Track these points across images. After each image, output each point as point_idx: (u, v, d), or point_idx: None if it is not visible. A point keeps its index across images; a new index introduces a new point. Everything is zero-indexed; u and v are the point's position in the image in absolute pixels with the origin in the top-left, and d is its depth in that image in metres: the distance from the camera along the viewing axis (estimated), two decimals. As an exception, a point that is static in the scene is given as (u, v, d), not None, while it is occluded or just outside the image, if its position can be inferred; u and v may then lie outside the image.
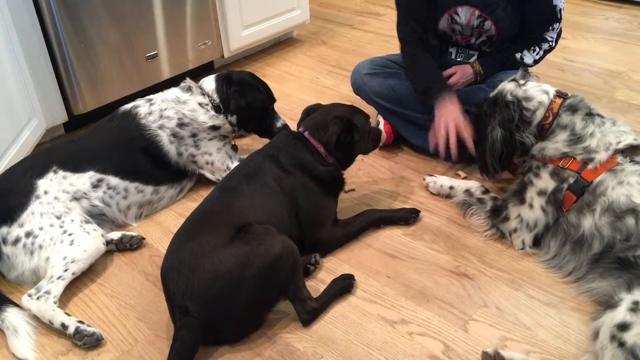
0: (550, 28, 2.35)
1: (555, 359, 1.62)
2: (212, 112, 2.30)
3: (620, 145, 1.84)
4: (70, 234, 1.92)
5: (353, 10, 4.37)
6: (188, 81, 2.38)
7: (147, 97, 2.33)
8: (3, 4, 2.36)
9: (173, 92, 2.34)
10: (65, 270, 1.86)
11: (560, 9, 2.32)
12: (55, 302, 1.79)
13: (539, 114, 1.94)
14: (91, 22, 2.64)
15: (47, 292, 1.80)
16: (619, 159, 1.81)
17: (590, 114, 1.92)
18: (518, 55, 2.38)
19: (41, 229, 1.92)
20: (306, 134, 2.03)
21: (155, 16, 2.87)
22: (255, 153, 2.07)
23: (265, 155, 2.01)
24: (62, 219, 1.95)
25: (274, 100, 2.46)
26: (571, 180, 1.85)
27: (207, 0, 3.08)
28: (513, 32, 2.37)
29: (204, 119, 2.28)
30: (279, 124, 2.45)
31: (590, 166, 1.83)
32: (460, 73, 2.46)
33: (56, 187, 2.02)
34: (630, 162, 1.80)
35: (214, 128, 2.31)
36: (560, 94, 1.97)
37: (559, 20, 2.35)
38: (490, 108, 2.00)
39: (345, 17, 4.24)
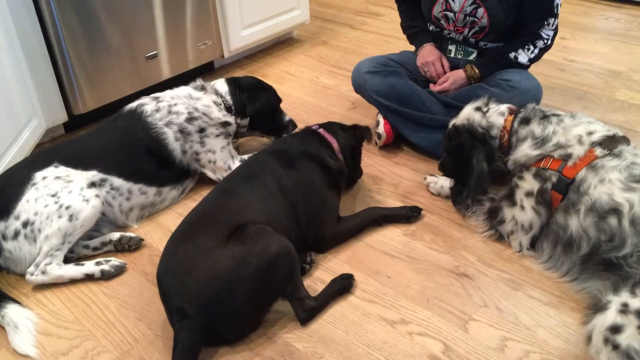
0: (546, 23, 2.34)
1: (555, 359, 1.62)
2: (225, 112, 2.36)
3: (596, 137, 1.85)
4: (67, 207, 1.93)
5: (353, 10, 4.37)
6: (201, 81, 2.43)
7: (153, 94, 2.34)
8: (3, 4, 2.36)
9: (185, 89, 2.37)
10: (63, 243, 1.92)
11: (557, 4, 2.33)
12: (60, 265, 1.90)
13: (498, 137, 2.03)
14: (91, 22, 2.64)
15: (49, 263, 1.88)
16: (598, 151, 1.81)
17: (545, 117, 1.96)
18: (512, 55, 2.39)
19: (36, 213, 1.91)
20: (320, 130, 2.14)
21: (155, 16, 2.87)
22: (261, 151, 2.11)
23: (272, 152, 2.05)
24: (57, 195, 1.94)
25: (280, 100, 2.57)
26: (554, 179, 1.85)
27: (207, 0, 3.08)
28: (505, 23, 2.37)
29: (217, 115, 2.32)
30: (286, 120, 2.58)
31: (569, 163, 1.83)
32: (452, 79, 2.51)
33: (56, 173, 2.01)
34: (609, 154, 1.80)
35: (225, 124, 2.34)
36: (512, 111, 2.04)
37: (555, 15, 2.34)
38: (469, 141, 2.05)
39: (345, 17, 4.24)
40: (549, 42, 2.38)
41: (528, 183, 1.92)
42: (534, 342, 1.67)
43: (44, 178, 1.98)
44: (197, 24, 3.08)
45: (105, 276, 1.94)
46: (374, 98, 2.53)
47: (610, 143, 1.83)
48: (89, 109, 2.78)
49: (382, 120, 2.57)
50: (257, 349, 1.69)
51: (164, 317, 1.77)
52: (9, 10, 2.39)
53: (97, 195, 2.01)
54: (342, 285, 1.85)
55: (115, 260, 1.97)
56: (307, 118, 2.91)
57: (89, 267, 1.94)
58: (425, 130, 2.48)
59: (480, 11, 2.35)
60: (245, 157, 2.39)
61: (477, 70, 2.47)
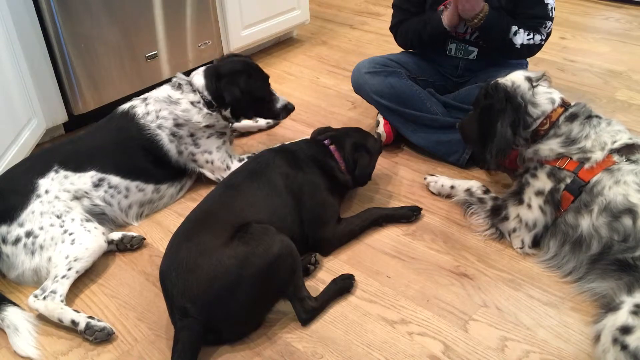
0: (543, 26, 2.35)
1: (555, 359, 1.62)
2: (205, 110, 2.25)
3: (616, 145, 1.84)
4: (70, 233, 1.92)
5: (353, 10, 4.37)
6: (179, 77, 2.32)
7: (143, 96, 2.32)
8: (3, 4, 2.35)
9: (164, 91, 2.29)
10: (69, 269, 1.87)
11: (552, 7, 2.34)
12: (62, 301, 1.81)
13: (539, 121, 1.95)
14: (91, 22, 2.64)
15: (53, 292, 1.81)
16: (616, 158, 1.81)
17: (589, 117, 1.92)
18: (514, 28, 2.33)
19: (41, 228, 1.92)
20: (332, 147, 2.14)
21: (155, 16, 2.87)
22: (268, 149, 2.12)
23: (280, 150, 2.07)
24: (62, 218, 1.95)
25: (267, 82, 2.39)
26: (568, 181, 1.85)
27: (207, 0, 3.08)
28: None
29: (197, 119, 2.25)
30: (279, 105, 2.40)
31: (586, 166, 1.83)
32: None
33: (57, 186, 2.02)
34: (626, 161, 1.80)
35: (209, 127, 2.30)
36: (564, 104, 1.96)
37: (551, 19, 2.35)
38: (502, 104, 1.95)
39: (345, 17, 4.24)
40: (543, 42, 2.38)
41: (540, 182, 1.91)
42: (534, 342, 1.67)
43: (47, 192, 1.99)
44: (197, 24, 3.08)
45: (88, 332, 1.73)
46: (374, 98, 2.53)
47: (629, 151, 1.82)
48: (89, 109, 2.78)
49: (382, 121, 2.57)
50: (257, 349, 1.69)
51: (164, 317, 1.78)
52: (9, 10, 2.39)
53: (96, 227, 2.00)
54: (343, 286, 1.85)
55: (106, 324, 1.76)
56: (307, 118, 2.91)
57: (80, 316, 1.77)
58: (426, 130, 2.48)
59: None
60: (245, 156, 2.39)
61: (479, 23, 2.31)
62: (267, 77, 2.39)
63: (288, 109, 2.42)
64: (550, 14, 2.35)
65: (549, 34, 2.39)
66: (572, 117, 1.92)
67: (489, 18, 2.31)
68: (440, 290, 1.86)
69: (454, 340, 1.69)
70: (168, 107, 2.24)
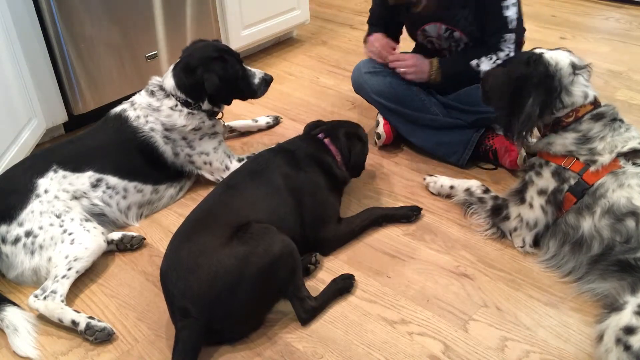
0: (502, 39, 2.29)
1: (555, 359, 1.62)
2: (186, 110, 2.23)
3: (625, 149, 1.82)
4: (70, 233, 1.92)
5: (353, 10, 4.37)
6: (153, 81, 2.30)
7: (130, 100, 2.31)
8: (3, 4, 2.36)
9: (144, 98, 2.27)
10: (69, 269, 1.87)
11: (512, 20, 2.26)
12: (62, 301, 1.81)
13: (565, 111, 1.90)
14: (91, 22, 2.64)
15: (54, 292, 1.81)
16: (622, 162, 1.80)
17: (614, 120, 1.88)
18: (475, 63, 2.31)
19: (41, 228, 1.92)
20: (326, 140, 2.15)
21: (155, 16, 2.87)
22: (268, 150, 2.12)
23: (279, 150, 2.07)
24: (61, 218, 1.95)
25: (240, 60, 2.32)
26: (572, 182, 1.85)
27: (207, 0, 3.08)
28: (481, 36, 2.35)
29: (182, 122, 2.23)
30: (256, 80, 2.34)
31: (592, 168, 1.82)
32: (417, 68, 2.40)
33: (56, 186, 2.02)
34: (632, 165, 1.79)
35: (196, 130, 2.27)
36: (595, 102, 1.92)
37: (510, 31, 2.28)
38: (539, 80, 1.87)
39: (345, 17, 4.24)
40: (512, 52, 2.31)
41: (544, 180, 1.91)
42: (534, 342, 1.67)
43: (46, 192, 1.99)
44: (197, 24, 3.08)
45: (88, 332, 1.73)
46: (374, 98, 2.54)
47: (635, 155, 1.81)
48: (89, 109, 2.78)
49: (381, 120, 2.57)
50: (258, 349, 1.69)
51: (164, 317, 1.78)
52: (9, 10, 2.39)
53: (95, 227, 2.00)
54: (343, 286, 1.85)
55: (106, 324, 1.77)
56: (307, 118, 2.90)
57: (80, 316, 1.77)
58: (426, 130, 2.48)
59: (457, 34, 2.37)
60: (244, 156, 2.39)
61: (438, 78, 2.39)
62: (238, 55, 2.32)
63: (267, 81, 2.36)
64: (509, 26, 2.27)
65: (518, 43, 2.33)
66: (598, 117, 1.88)
67: (443, 69, 2.38)
68: (440, 290, 1.86)
69: (454, 340, 1.69)
70: (152, 114, 2.23)
